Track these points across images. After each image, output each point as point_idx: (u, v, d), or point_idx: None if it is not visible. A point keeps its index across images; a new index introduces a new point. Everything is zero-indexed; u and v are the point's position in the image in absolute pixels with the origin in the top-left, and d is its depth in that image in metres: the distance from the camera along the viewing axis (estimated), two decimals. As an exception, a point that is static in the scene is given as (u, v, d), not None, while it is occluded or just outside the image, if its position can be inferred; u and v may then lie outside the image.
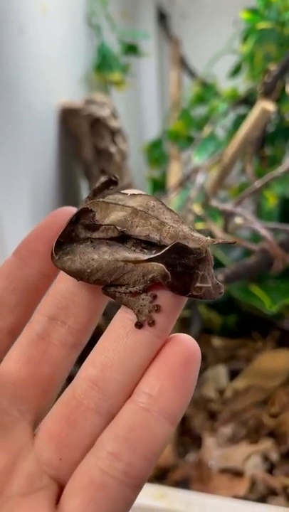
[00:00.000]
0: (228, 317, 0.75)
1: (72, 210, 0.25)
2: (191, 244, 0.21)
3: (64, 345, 0.23)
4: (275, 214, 0.67)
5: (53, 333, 0.22)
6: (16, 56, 0.52)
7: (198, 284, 0.21)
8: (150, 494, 0.46)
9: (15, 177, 0.53)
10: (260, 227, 0.48)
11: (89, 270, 0.22)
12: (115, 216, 0.23)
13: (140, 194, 0.23)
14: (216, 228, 0.53)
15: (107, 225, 0.22)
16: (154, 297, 0.21)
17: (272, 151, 0.71)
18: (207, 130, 0.71)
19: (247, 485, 0.53)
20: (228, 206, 0.53)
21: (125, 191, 0.24)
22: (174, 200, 0.69)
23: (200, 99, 0.80)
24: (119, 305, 0.22)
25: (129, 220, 0.22)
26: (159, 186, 0.84)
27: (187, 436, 0.61)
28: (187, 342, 0.21)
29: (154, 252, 0.22)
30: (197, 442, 0.60)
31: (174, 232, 0.21)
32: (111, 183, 0.26)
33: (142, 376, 0.21)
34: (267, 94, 0.61)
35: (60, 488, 0.21)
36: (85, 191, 0.70)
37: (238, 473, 0.55)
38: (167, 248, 0.21)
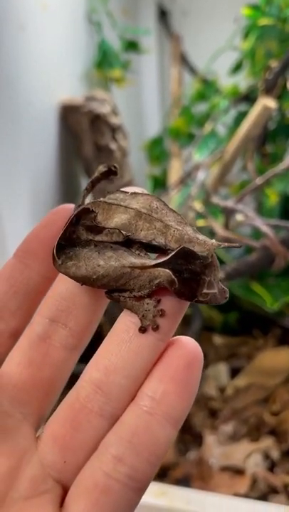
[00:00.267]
0: (229, 315, 0.75)
1: (71, 207, 0.24)
2: (197, 248, 0.21)
3: (65, 347, 0.22)
4: (276, 211, 0.67)
5: (54, 335, 0.22)
6: (16, 53, 0.52)
7: (204, 291, 0.21)
8: (151, 492, 0.46)
9: (15, 174, 0.53)
10: (262, 224, 0.47)
11: (95, 276, 0.21)
12: (119, 219, 0.22)
13: (142, 193, 0.23)
14: (217, 225, 0.53)
15: (111, 228, 0.22)
16: (158, 301, 0.21)
17: (273, 148, 0.71)
18: (208, 127, 0.71)
19: (248, 483, 0.53)
20: (229, 203, 0.53)
21: (126, 189, 0.24)
22: (174, 197, 0.69)
23: (201, 96, 0.80)
24: (122, 307, 0.22)
25: (133, 223, 0.22)
26: (159, 184, 0.84)
27: (188, 434, 0.61)
28: (189, 345, 0.21)
29: (158, 255, 0.22)
30: (198, 440, 0.60)
31: (178, 235, 0.21)
32: (110, 173, 0.25)
33: (145, 379, 0.21)
34: (268, 91, 0.61)
35: (64, 490, 0.21)
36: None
37: (238, 471, 0.55)
38: (173, 253, 0.20)
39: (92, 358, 0.21)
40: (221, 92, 0.77)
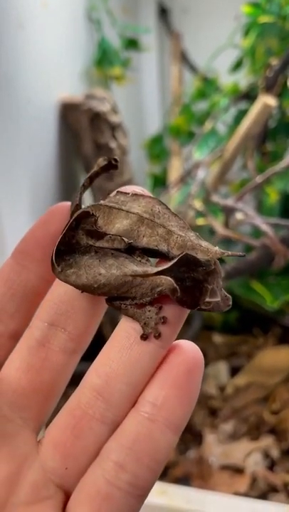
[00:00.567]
0: (229, 314, 0.75)
1: (67, 206, 0.24)
2: (200, 256, 0.20)
3: (64, 351, 0.22)
4: (276, 210, 0.66)
5: (53, 339, 0.22)
6: (16, 51, 0.52)
7: (207, 299, 0.20)
8: (151, 491, 0.46)
9: (15, 172, 0.53)
10: (261, 223, 0.47)
11: (96, 285, 0.21)
12: (120, 224, 0.22)
13: (143, 196, 0.23)
14: (217, 224, 0.52)
15: (113, 235, 0.22)
16: (160, 309, 0.21)
17: (273, 146, 0.71)
18: (208, 125, 0.71)
19: (248, 482, 0.53)
20: (229, 202, 0.53)
21: (126, 189, 0.23)
22: (174, 195, 0.68)
23: (201, 94, 0.79)
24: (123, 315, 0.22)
25: (135, 229, 0.22)
26: (159, 182, 0.84)
27: (188, 433, 0.61)
28: (190, 351, 0.21)
29: (158, 260, 0.21)
30: (198, 439, 0.60)
31: (181, 241, 0.21)
32: (110, 167, 0.25)
33: (145, 385, 0.21)
34: (268, 88, 0.61)
35: (66, 496, 0.21)
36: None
37: (238, 470, 0.55)
38: (176, 260, 0.20)
39: (93, 364, 0.21)
40: (221, 90, 0.77)
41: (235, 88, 0.73)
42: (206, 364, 0.70)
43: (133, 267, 0.21)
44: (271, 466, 0.55)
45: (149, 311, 0.21)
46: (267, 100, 0.58)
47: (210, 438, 0.59)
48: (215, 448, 0.58)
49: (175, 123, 0.79)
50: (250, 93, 0.69)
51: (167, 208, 0.22)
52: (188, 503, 0.46)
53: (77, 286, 0.21)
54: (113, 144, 0.61)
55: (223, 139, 0.70)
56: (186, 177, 0.68)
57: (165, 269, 0.20)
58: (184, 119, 0.79)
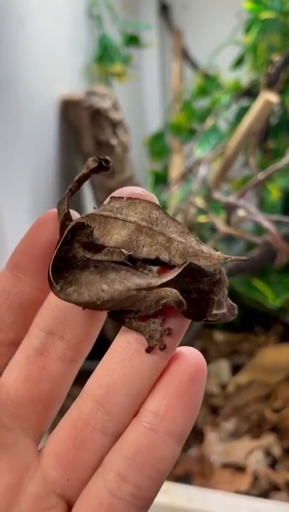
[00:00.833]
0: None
1: (55, 214, 0.23)
2: (203, 262, 0.20)
3: (63, 360, 0.22)
4: (278, 207, 0.66)
5: (51, 348, 0.22)
6: (16, 47, 0.52)
7: (214, 312, 0.20)
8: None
9: (15, 169, 0.52)
10: (264, 220, 0.47)
11: (99, 302, 0.20)
12: (118, 235, 0.21)
13: (139, 201, 0.22)
14: (219, 221, 0.52)
15: (111, 247, 0.21)
16: (164, 320, 0.20)
17: (275, 143, 0.70)
18: (209, 122, 0.71)
19: (249, 480, 0.53)
20: (231, 199, 0.53)
21: (121, 192, 0.22)
22: (176, 193, 0.68)
23: (202, 91, 0.79)
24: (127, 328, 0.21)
25: (134, 239, 0.21)
26: (160, 179, 0.84)
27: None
28: (193, 359, 0.20)
29: (160, 268, 0.21)
30: (199, 437, 0.60)
31: (182, 249, 0.20)
32: (101, 169, 0.23)
33: (147, 395, 0.20)
34: (270, 85, 0.60)
35: (69, 506, 0.21)
36: (85, 185, 0.69)
37: (240, 469, 0.55)
38: (180, 271, 0.19)
39: (94, 373, 0.21)
40: (222, 87, 0.77)
41: (236, 85, 0.73)
42: (208, 362, 0.69)
43: (136, 280, 0.20)
44: (273, 464, 0.55)
45: (154, 323, 0.20)
46: (269, 97, 0.58)
47: (211, 436, 0.59)
48: (216, 446, 0.57)
49: (176, 120, 0.79)
50: (251, 90, 0.69)
51: (165, 213, 0.21)
52: (189, 501, 0.46)
53: (79, 305, 0.21)
54: (114, 141, 0.61)
55: (224, 136, 0.70)
56: (187, 174, 0.68)
57: (169, 280, 0.19)
58: (185, 116, 0.79)
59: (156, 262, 0.21)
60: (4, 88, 0.50)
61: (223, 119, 0.73)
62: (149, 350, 0.20)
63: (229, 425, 0.60)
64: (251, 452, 0.56)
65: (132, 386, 0.20)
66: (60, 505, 0.20)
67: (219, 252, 0.20)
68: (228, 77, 0.76)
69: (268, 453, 0.56)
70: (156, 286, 0.20)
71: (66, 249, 0.21)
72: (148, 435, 0.20)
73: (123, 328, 0.21)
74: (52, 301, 0.22)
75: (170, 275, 0.20)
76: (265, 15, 0.63)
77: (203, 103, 0.79)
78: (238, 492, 0.51)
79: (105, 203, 0.22)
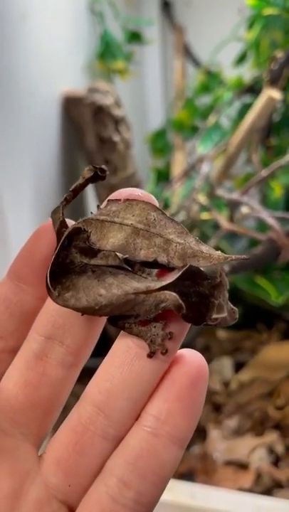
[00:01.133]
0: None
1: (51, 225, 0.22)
2: (202, 263, 0.19)
3: (62, 365, 0.22)
4: (280, 204, 0.66)
5: (51, 353, 0.22)
6: (18, 44, 0.51)
7: (214, 316, 0.19)
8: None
9: (17, 167, 0.52)
10: (267, 216, 0.47)
11: (97, 307, 0.20)
12: (114, 239, 0.21)
13: (137, 202, 0.21)
14: (222, 218, 0.52)
15: (107, 251, 0.20)
16: (165, 324, 0.20)
17: (277, 140, 0.70)
18: (212, 119, 0.70)
19: (252, 477, 0.53)
20: (235, 195, 0.52)
21: (118, 194, 0.22)
22: (178, 190, 0.68)
23: (204, 88, 0.79)
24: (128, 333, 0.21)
25: (130, 242, 0.20)
26: (163, 176, 0.84)
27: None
28: (194, 362, 0.20)
29: (159, 270, 0.20)
30: (202, 435, 0.60)
31: (181, 250, 0.20)
32: (97, 178, 0.23)
33: (148, 399, 0.20)
34: (273, 82, 0.60)
35: (71, 511, 0.21)
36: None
37: (243, 466, 0.55)
38: (180, 274, 0.19)
39: (94, 378, 0.21)
40: (225, 83, 0.76)
41: (239, 82, 0.72)
42: (210, 359, 0.69)
43: (134, 283, 0.20)
44: (276, 461, 0.55)
45: (155, 327, 0.20)
46: (272, 93, 0.58)
47: (214, 434, 0.58)
48: (219, 444, 0.57)
49: (178, 117, 0.79)
50: (254, 86, 0.69)
51: (163, 214, 0.21)
52: (192, 498, 0.46)
53: (77, 310, 0.20)
54: (116, 138, 0.61)
55: (227, 133, 0.69)
56: (189, 171, 0.67)
57: (169, 283, 0.19)
58: (187, 113, 0.78)
59: (155, 264, 0.20)
60: (5, 85, 0.50)
61: (225, 116, 0.73)
62: (151, 355, 0.20)
63: (232, 423, 0.60)
64: (254, 450, 0.56)
65: (132, 391, 0.20)
66: (61, 511, 0.20)
67: (219, 252, 0.20)
68: (230, 73, 0.76)
69: (271, 450, 0.56)
70: (154, 289, 0.19)
71: (64, 254, 0.21)
72: (149, 440, 0.20)
73: (122, 332, 0.21)
74: (50, 306, 0.22)
75: (169, 278, 0.19)
76: (268, 11, 0.63)
77: (205, 100, 0.79)
78: (241, 489, 0.51)
79: (102, 206, 0.22)
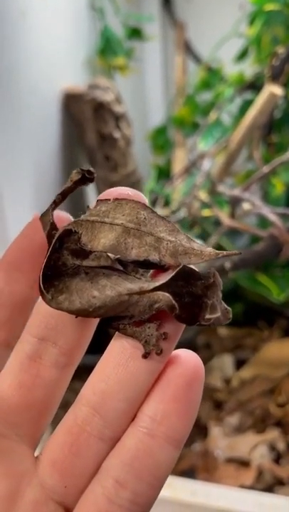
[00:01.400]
0: (235, 306, 0.74)
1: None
2: (194, 260, 0.19)
3: (56, 366, 0.22)
4: (282, 201, 0.66)
5: (44, 354, 0.22)
6: (18, 40, 0.51)
7: (207, 316, 0.19)
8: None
9: (17, 163, 0.52)
10: (269, 213, 0.47)
11: (91, 309, 0.20)
12: (105, 239, 0.20)
13: (126, 201, 0.21)
14: (223, 215, 0.52)
15: (98, 252, 0.20)
16: (160, 325, 0.20)
17: (279, 137, 0.70)
18: (213, 116, 0.70)
19: (253, 475, 0.53)
20: (236, 192, 0.52)
21: (108, 194, 0.22)
22: (179, 186, 0.68)
23: (205, 85, 0.79)
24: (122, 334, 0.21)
25: (122, 241, 0.20)
26: (163, 173, 0.83)
27: (193, 426, 0.60)
28: (190, 362, 0.20)
29: (153, 271, 0.20)
30: (203, 432, 0.60)
31: (172, 247, 0.20)
32: (86, 180, 0.23)
33: (144, 400, 0.20)
34: (275, 78, 0.60)
35: None
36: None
37: (244, 463, 0.55)
38: (173, 274, 0.19)
39: (89, 379, 0.21)
40: (226, 80, 0.76)
41: (240, 78, 0.72)
42: (211, 357, 0.69)
43: (127, 284, 0.20)
44: (277, 458, 0.55)
45: (149, 328, 0.20)
46: (273, 90, 0.57)
47: (215, 431, 0.58)
48: (220, 441, 0.57)
49: (179, 114, 0.79)
50: (255, 83, 0.68)
51: (153, 212, 0.21)
52: (193, 495, 0.46)
53: (71, 312, 0.20)
54: (117, 134, 0.61)
55: (228, 130, 0.69)
56: (190, 168, 0.67)
57: (162, 284, 0.19)
58: (188, 109, 0.78)
59: (148, 263, 0.20)
60: (6, 82, 0.49)
61: (226, 113, 0.73)
62: (145, 356, 0.20)
63: (233, 420, 0.60)
64: (255, 447, 0.56)
65: (127, 391, 0.20)
66: None
67: (210, 248, 0.20)
68: (231, 70, 0.75)
69: (272, 447, 0.56)
70: (148, 290, 0.19)
71: (55, 257, 0.21)
72: (145, 440, 0.20)
73: (117, 333, 0.21)
74: (42, 307, 0.22)
75: (163, 279, 0.19)
76: (270, 7, 0.63)
77: (206, 96, 0.79)
78: (242, 486, 0.51)
79: (92, 206, 0.22)
